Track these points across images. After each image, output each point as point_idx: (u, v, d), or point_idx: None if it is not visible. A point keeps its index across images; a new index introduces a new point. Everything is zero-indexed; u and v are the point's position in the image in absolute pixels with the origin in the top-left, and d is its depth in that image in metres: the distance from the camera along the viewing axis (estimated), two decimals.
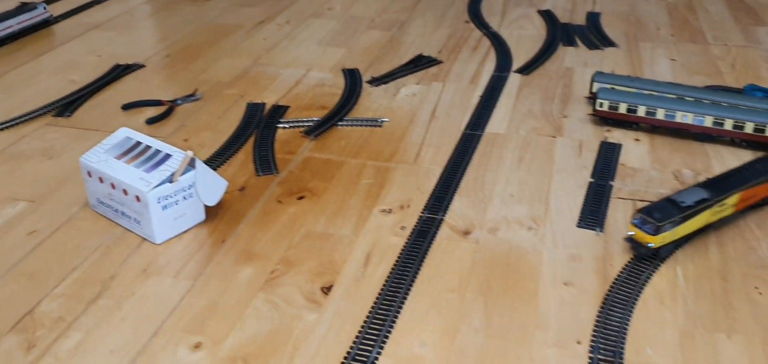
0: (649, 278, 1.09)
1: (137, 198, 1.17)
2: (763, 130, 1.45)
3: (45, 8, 2.19)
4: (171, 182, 1.18)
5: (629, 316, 1.01)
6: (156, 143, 1.25)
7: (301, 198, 1.32)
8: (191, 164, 1.20)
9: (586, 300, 1.05)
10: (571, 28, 2.17)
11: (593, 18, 2.26)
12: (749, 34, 2.13)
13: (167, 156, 1.21)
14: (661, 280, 1.09)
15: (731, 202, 1.18)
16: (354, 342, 0.97)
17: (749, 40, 2.08)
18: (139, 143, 1.26)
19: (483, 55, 2.00)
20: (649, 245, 1.10)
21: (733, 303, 1.04)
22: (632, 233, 1.12)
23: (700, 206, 1.13)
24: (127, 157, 1.24)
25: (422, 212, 1.28)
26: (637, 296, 1.05)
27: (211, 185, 1.22)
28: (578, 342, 0.97)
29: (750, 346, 0.96)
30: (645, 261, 1.12)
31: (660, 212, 1.10)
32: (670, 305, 1.04)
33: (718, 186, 1.18)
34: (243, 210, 1.28)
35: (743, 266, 1.12)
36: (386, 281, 1.09)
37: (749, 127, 1.46)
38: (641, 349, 0.95)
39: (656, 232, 1.09)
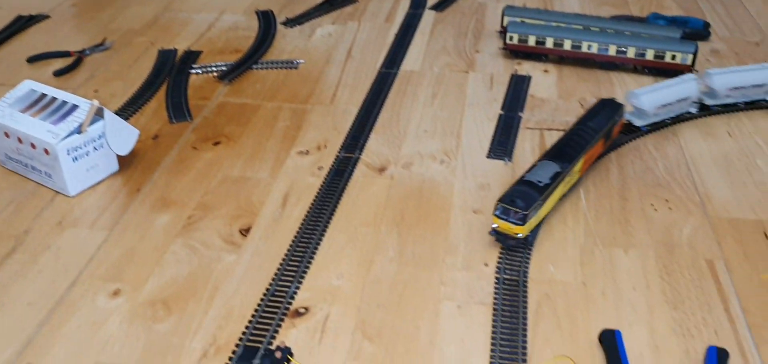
0: (632, 139, 1.16)
1: (46, 151, 1.17)
2: (662, 57, 1.54)
3: None
4: (80, 132, 1.17)
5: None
6: (62, 94, 1.24)
7: (216, 144, 1.33)
8: (99, 114, 1.20)
9: None
10: None
11: None
12: None
13: (74, 107, 1.21)
14: (566, 204, 1.16)
15: (577, 168, 1.14)
16: (273, 279, 1.01)
17: None
18: (44, 95, 1.25)
19: None
20: (519, 235, 1.03)
21: (630, 220, 1.12)
22: (496, 225, 1.05)
23: (556, 181, 1.08)
24: (32, 110, 1.23)
25: (339, 152, 1.31)
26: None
27: (122, 134, 1.23)
28: (485, 264, 1.03)
29: (644, 258, 1.04)
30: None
31: (522, 199, 1.04)
32: (573, 225, 1.11)
33: (563, 155, 1.13)
34: (157, 158, 1.29)
35: (640, 185, 1.20)
36: (304, 219, 1.13)
37: (650, 55, 1.54)
38: (544, 267, 1.02)
39: (524, 221, 1.03)
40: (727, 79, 1.39)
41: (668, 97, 1.33)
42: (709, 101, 1.40)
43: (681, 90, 1.35)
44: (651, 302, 0.97)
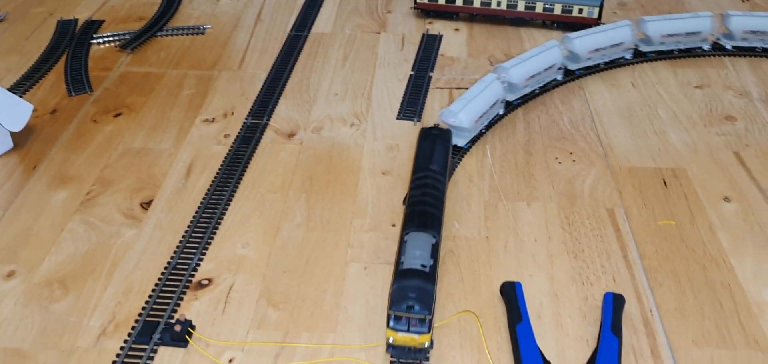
0: (459, 161, 1.18)
1: None
2: (570, 11, 1.57)
3: None
4: None
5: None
6: None
7: (118, 115, 1.31)
8: None
9: (402, 185, 1.13)
10: None
11: None
12: None
13: None
14: (471, 160, 1.18)
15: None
16: (175, 252, 1.00)
17: None
18: None
19: None
20: (425, 345, 0.82)
21: (534, 174, 1.15)
22: (392, 339, 0.82)
23: (437, 253, 0.88)
24: None
25: (246, 119, 1.30)
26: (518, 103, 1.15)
27: (14, 110, 1.19)
28: (393, 225, 1.05)
29: (546, 210, 1.08)
30: (457, 148, 1.20)
31: (419, 299, 0.81)
32: (478, 182, 1.14)
33: (428, 218, 0.93)
34: (55, 133, 1.26)
35: (545, 140, 1.24)
36: (209, 189, 1.12)
37: (558, 9, 1.58)
38: (450, 224, 1.05)
39: (430, 326, 0.81)
40: (586, 43, 1.41)
41: (536, 68, 1.33)
42: (572, 66, 1.41)
43: (546, 58, 1.35)
44: (552, 252, 1.00)
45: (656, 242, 1.02)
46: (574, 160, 1.18)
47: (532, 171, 1.16)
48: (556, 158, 1.19)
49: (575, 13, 1.57)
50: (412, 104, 1.34)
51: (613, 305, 0.89)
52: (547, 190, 1.12)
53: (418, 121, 1.29)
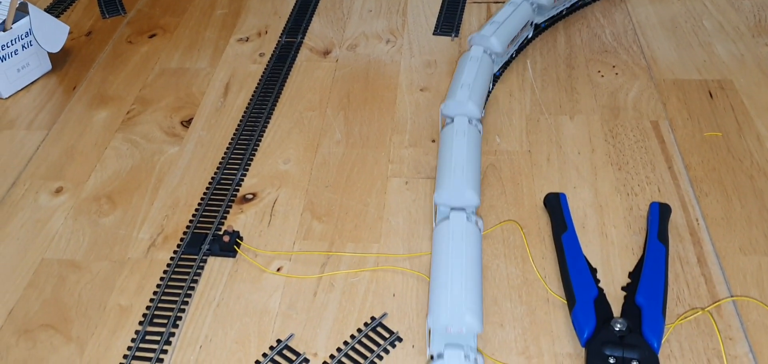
0: (498, 75, 1.18)
1: None
2: None
3: None
4: (3, 30, 1.16)
5: None
6: None
7: (152, 36, 1.33)
8: (23, 10, 1.18)
9: (441, 100, 1.14)
10: None
11: None
12: None
13: None
14: (511, 75, 1.19)
15: None
16: (218, 168, 1.03)
17: None
18: None
19: None
20: None
21: (576, 87, 1.16)
22: None
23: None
24: None
25: (281, 37, 1.32)
26: (502, 69, 1.16)
27: (51, 31, 1.21)
28: (432, 140, 1.06)
29: (589, 123, 1.08)
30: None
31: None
32: (519, 96, 1.14)
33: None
34: (92, 55, 1.28)
35: (587, 53, 1.24)
36: (247, 107, 1.15)
37: None
38: (491, 138, 1.06)
39: None
40: None
41: None
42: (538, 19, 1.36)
43: None
44: (595, 164, 1.01)
45: (702, 153, 1.03)
46: (616, 74, 1.19)
47: (574, 85, 1.16)
48: (599, 72, 1.19)
49: None
50: (448, 20, 1.34)
51: (659, 213, 0.90)
52: (590, 103, 1.12)
53: (456, 36, 1.30)
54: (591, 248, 0.89)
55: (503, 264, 0.87)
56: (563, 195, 0.94)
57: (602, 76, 1.18)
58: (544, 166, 1.01)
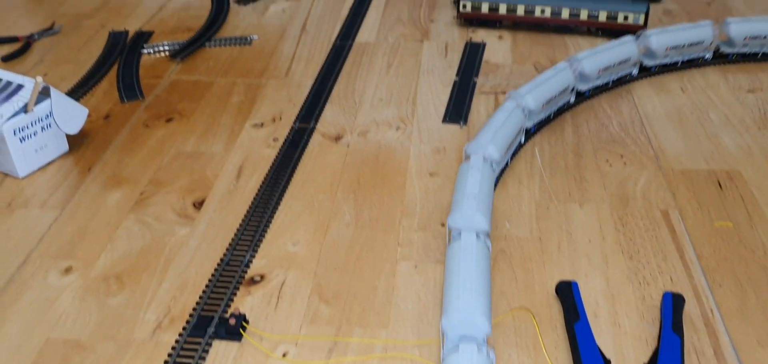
0: (513, 155, 1.16)
1: None
2: (615, 18, 1.55)
3: None
4: (25, 112, 1.15)
5: None
6: (6, 75, 1.21)
7: (169, 121, 1.31)
8: (45, 93, 1.17)
9: (450, 186, 1.11)
10: None
11: None
12: None
13: (19, 87, 1.18)
14: (520, 162, 1.16)
15: None
16: (227, 249, 0.99)
17: None
18: None
19: None
20: None
21: (585, 175, 1.13)
22: None
23: None
24: None
25: (294, 123, 1.30)
26: (499, 176, 1.12)
27: (71, 113, 1.20)
28: (442, 224, 1.03)
29: (599, 211, 1.05)
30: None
31: None
32: (528, 183, 1.11)
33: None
34: (109, 137, 1.26)
35: (595, 142, 1.21)
36: (259, 190, 1.12)
37: (603, 16, 1.55)
38: (500, 224, 1.02)
39: None
40: (665, 39, 1.38)
41: (610, 60, 1.32)
42: (648, 62, 1.40)
43: (621, 51, 1.34)
44: (606, 252, 0.97)
45: (713, 243, 0.98)
46: (625, 163, 1.15)
47: (583, 173, 1.13)
48: (607, 161, 1.16)
49: (620, 20, 1.54)
50: (457, 108, 1.33)
51: (673, 304, 0.86)
52: (599, 191, 1.09)
53: (464, 124, 1.27)
54: (604, 338, 0.84)
55: (515, 353, 0.82)
56: (575, 283, 0.89)
57: (610, 165, 1.15)
58: (554, 254, 0.97)
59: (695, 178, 1.12)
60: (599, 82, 1.32)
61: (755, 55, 1.45)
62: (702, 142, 1.21)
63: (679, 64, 1.42)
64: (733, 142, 1.20)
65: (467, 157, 1.05)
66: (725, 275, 0.93)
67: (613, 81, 1.35)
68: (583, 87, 1.30)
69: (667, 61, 1.40)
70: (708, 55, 1.43)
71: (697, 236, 1.00)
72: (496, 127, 1.09)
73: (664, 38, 1.38)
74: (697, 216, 1.04)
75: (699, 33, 1.40)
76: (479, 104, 1.34)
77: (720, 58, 1.44)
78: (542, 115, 1.22)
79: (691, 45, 1.40)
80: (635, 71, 1.38)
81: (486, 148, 1.05)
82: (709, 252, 0.97)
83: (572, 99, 1.29)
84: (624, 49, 1.34)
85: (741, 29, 1.42)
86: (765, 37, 1.43)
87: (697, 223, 1.02)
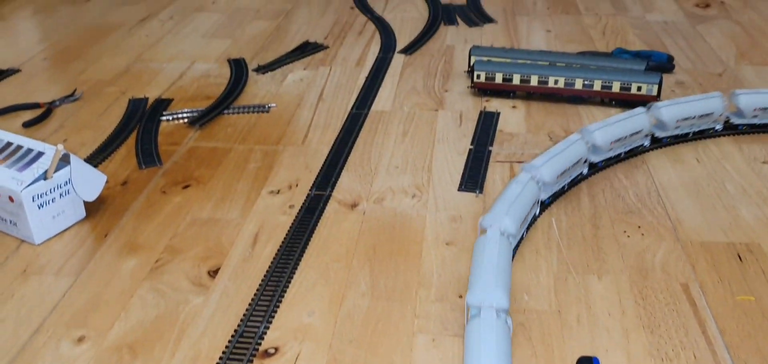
0: (528, 227, 1.13)
1: (11, 198, 1.12)
2: (628, 89, 1.53)
3: None
4: (45, 179, 1.13)
5: None
6: (28, 142, 1.20)
7: (186, 187, 1.29)
8: (65, 160, 1.15)
9: (467, 257, 1.08)
10: (452, 8, 2.22)
11: None
12: (618, 3, 2.24)
13: (40, 153, 1.17)
14: (537, 233, 1.13)
15: None
16: (242, 320, 0.96)
17: (617, 9, 2.19)
18: (9, 143, 1.21)
19: (368, 38, 2.01)
20: None
21: (603, 247, 1.09)
22: None
23: None
24: None
25: (310, 190, 1.28)
26: (515, 248, 1.09)
27: (89, 180, 1.19)
28: (459, 296, 0.99)
29: (618, 283, 1.01)
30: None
31: None
32: (545, 254, 1.08)
33: None
34: (126, 203, 1.24)
35: (612, 213, 1.18)
36: (274, 258, 1.09)
37: (616, 87, 1.54)
38: (518, 296, 0.99)
39: None
40: (675, 111, 1.36)
41: (622, 132, 1.30)
42: (659, 134, 1.37)
43: (632, 123, 1.31)
44: (627, 326, 0.93)
45: (736, 317, 0.94)
46: (642, 234, 1.12)
47: (600, 244, 1.10)
48: (624, 232, 1.13)
49: (634, 90, 1.52)
50: (473, 177, 1.30)
51: None
52: (618, 263, 1.06)
53: (480, 192, 1.25)
54: None
55: None
56: (596, 359, 0.86)
57: (628, 236, 1.12)
58: (574, 327, 0.93)
59: (714, 251, 1.08)
60: (611, 154, 1.30)
61: (765, 126, 1.42)
62: (720, 213, 1.17)
63: (690, 135, 1.39)
64: (751, 214, 1.16)
65: (483, 231, 1.02)
66: (750, 352, 0.88)
67: (625, 153, 1.33)
68: (596, 159, 1.28)
69: (678, 132, 1.38)
70: (718, 127, 1.41)
71: (719, 311, 0.96)
72: (511, 199, 1.07)
73: (674, 110, 1.36)
74: (717, 290, 1.00)
75: (709, 105, 1.38)
76: (494, 173, 1.31)
77: (730, 129, 1.42)
78: (556, 187, 1.20)
79: (701, 116, 1.38)
80: (647, 143, 1.36)
81: (502, 221, 1.02)
82: (732, 327, 0.93)
83: (585, 170, 1.26)
84: (635, 121, 1.32)
85: (750, 101, 1.40)
86: None
87: (719, 297, 0.98)
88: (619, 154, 1.32)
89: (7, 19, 2.26)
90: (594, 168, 1.29)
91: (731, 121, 1.42)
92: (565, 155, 1.20)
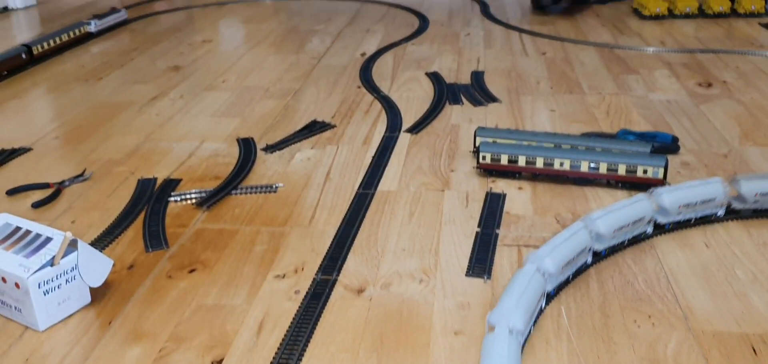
0: (534, 322, 1.10)
1: (17, 285, 1.10)
2: (634, 172, 1.52)
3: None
4: (52, 265, 1.11)
5: None
6: (36, 227, 1.19)
7: (192, 271, 1.27)
8: (73, 245, 1.14)
9: (476, 346, 1.05)
10: (457, 88, 2.23)
11: (477, 76, 2.33)
12: (621, 83, 2.24)
13: (48, 239, 1.15)
14: (546, 321, 1.10)
15: None
16: None
17: (620, 88, 2.20)
18: (18, 228, 1.20)
19: (374, 117, 2.02)
20: None
21: (613, 337, 1.06)
22: None
23: None
24: (6, 243, 1.17)
25: (316, 274, 1.26)
26: (524, 339, 1.06)
27: (96, 266, 1.17)
28: None
29: None
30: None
31: None
32: (555, 344, 1.05)
33: None
34: (131, 288, 1.22)
35: (622, 301, 1.15)
36: (279, 347, 1.06)
37: (622, 170, 1.52)
38: None
39: None
40: (677, 197, 1.33)
41: (624, 219, 1.27)
42: (662, 220, 1.34)
43: (636, 210, 1.29)
44: None
45: None
46: (653, 324, 1.09)
47: (611, 334, 1.07)
48: (635, 321, 1.10)
49: (640, 173, 1.51)
50: (480, 261, 1.28)
51: None
52: (629, 354, 1.02)
53: (488, 278, 1.22)
54: None
55: None
56: None
57: (639, 326, 1.09)
58: None
59: (728, 342, 1.05)
60: (615, 242, 1.27)
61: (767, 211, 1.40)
62: (731, 301, 1.14)
63: (693, 220, 1.37)
64: (763, 303, 1.13)
65: (491, 328, 0.99)
66: None
67: (628, 240, 1.30)
68: (600, 247, 1.25)
69: (680, 218, 1.35)
70: (720, 212, 1.39)
71: None
72: (518, 293, 1.04)
73: (675, 196, 1.34)
74: None
75: (710, 190, 1.36)
76: (502, 257, 1.29)
77: (732, 214, 1.39)
78: (562, 278, 1.17)
79: (703, 202, 1.36)
80: (650, 230, 1.33)
81: (510, 318, 0.99)
82: None
83: (589, 259, 1.24)
84: (638, 207, 1.30)
85: (752, 186, 1.38)
86: None
87: None
88: (623, 242, 1.29)
89: (22, 98, 2.28)
90: (598, 256, 1.26)
91: (733, 206, 1.40)
92: (570, 245, 1.17)
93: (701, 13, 3.07)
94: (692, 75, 2.30)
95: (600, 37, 2.79)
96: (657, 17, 3.06)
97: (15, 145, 1.87)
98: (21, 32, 3.21)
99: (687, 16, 3.06)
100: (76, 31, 2.86)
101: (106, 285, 1.21)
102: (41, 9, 3.69)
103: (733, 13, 3.06)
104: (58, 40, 2.74)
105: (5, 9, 3.65)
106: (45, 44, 2.66)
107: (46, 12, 3.61)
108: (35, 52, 2.60)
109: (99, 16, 3.04)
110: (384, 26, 3.12)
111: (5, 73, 2.47)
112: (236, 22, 3.30)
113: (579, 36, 2.83)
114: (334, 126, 1.95)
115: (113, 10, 3.16)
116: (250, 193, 1.57)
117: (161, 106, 2.14)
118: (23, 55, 2.55)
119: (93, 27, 2.96)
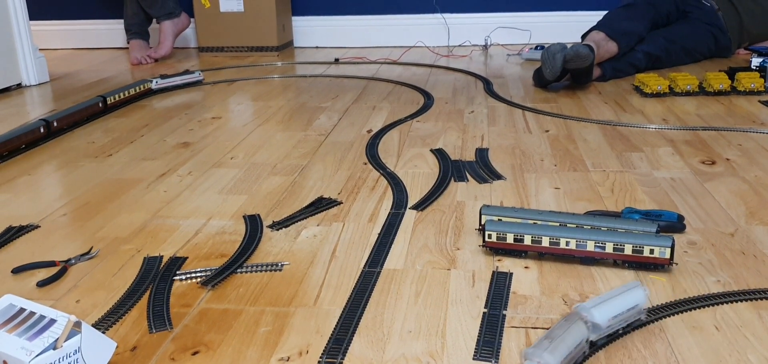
0: None
1: None
2: (641, 252, 1.49)
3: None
4: (55, 348, 1.09)
5: None
6: (40, 308, 1.17)
7: (195, 353, 1.24)
8: (76, 327, 1.12)
9: None
10: (462, 165, 2.23)
11: (482, 154, 2.33)
12: (624, 160, 2.24)
13: (52, 321, 1.13)
14: None
15: None
16: None
17: (624, 165, 2.19)
18: (22, 310, 1.18)
19: (380, 194, 2.01)
20: None
21: None
22: None
23: None
24: (8, 326, 1.15)
25: (321, 357, 1.22)
26: None
27: (99, 348, 1.14)
28: None
29: None
30: None
31: None
32: None
33: None
34: None
35: None
36: None
37: (628, 249, 1.50)
38: None
39: None
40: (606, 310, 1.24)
41: (620, 308, 1.23)
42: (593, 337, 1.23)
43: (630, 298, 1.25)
44: None
45: None
46: None
47: None
48: None
49: (646, 253, 1.49)
50: (488, 344, 1.25)
51: None
52: None
53: (496, 362, 1.19)
54: None
55: None
56: None
57: None
58: None
59: None
60: (610, 331, 1.23)
61: None
62: None
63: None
64: None
65: None
66: None
67: (622, 329, 1.26)
68: (595, 337, 1.21)
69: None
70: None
71: None
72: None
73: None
74: None
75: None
76: (510, 340, 1.26)
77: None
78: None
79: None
80: (643, 317, 1.29)
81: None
82: None
83: (587, 350, 1.20)
84: (633, 295, 1.26)
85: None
86: None
87: None
88: (618, 331, 1.25)
89: (32, 174, 2.28)
90: (594, 346, 1.21)
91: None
92: (569, 339, 1.14)
93: (702, 91, 3.09)
94: (695, 152, 2.29)
95: (602, 115, 2.81)
96: (658, 95, 3.08)
97: (23, 222, 1.86)
98: (34, 108, 3.24)
99: (688, 93, 3.08)
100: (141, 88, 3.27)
101: None
102: (54, 85, 3.74)
103: (733, 90, 3.08)
104: (126, 93, 3.16)
105: (19, 85, 3.70)
106: (116, 96, 3.08)
107: (59, 88, 3.66)
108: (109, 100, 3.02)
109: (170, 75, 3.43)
110: (390, 103, 3.14)
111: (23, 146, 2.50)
112: (246, 99, 3.34)
113: (582, 113, 2.85)
114: (340, 203, 1.95)
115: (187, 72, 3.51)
116: (256, 271, 1.55)
117: (169, 183, 2.14)
118: (41, 130, 2.60)
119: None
